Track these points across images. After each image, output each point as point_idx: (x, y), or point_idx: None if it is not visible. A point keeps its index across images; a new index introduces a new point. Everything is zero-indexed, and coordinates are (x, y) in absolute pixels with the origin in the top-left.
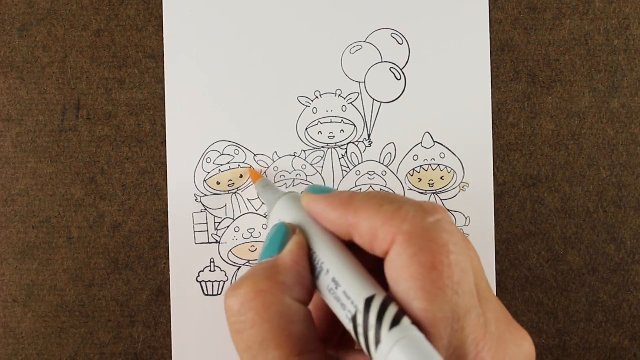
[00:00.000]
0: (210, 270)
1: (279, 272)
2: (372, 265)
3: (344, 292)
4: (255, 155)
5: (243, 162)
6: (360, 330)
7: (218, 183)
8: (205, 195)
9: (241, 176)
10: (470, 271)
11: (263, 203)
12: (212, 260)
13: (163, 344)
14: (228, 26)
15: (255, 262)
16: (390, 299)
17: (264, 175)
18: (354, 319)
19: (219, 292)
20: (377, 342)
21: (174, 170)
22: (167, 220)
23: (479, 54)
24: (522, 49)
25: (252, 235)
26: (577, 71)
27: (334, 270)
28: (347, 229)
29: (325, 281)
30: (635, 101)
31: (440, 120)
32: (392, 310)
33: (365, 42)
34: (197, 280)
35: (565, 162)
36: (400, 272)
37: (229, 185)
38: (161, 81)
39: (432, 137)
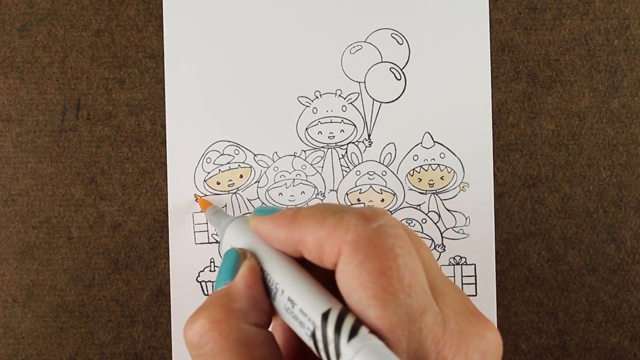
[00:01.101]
0: (210, 270)
1: (233, 299)
2: (326, 279)
3: (300, 309)
4: (255, 155)
5: (243, 162)
6: (321, 345)
7: (218, 183)
8: (205, 195)
9: (241, 176)
10: (421, 271)
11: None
12: (212, 260)
13: (163, 344)
14: (228, 26)
15: None
16: (345, 310)
17: (214, 203)
18: (313, 335)
19: None
20: (338, 355)
21: (174, 170)
22: (167, 220)
23: (479, 54)
24: (522, 49)
25: None
26: (577, 71)
27: (288, 289)
28: (295, 246)
29: (281, 301)
30: (635, 101)
31: (440, 120)
32: (348, 322)
33: (365, 42)
34: (197, 280)
35: (565, 162)
36: (351, 282)
37: (229, 185)
38: (161, 81)
39: (432, 137)
